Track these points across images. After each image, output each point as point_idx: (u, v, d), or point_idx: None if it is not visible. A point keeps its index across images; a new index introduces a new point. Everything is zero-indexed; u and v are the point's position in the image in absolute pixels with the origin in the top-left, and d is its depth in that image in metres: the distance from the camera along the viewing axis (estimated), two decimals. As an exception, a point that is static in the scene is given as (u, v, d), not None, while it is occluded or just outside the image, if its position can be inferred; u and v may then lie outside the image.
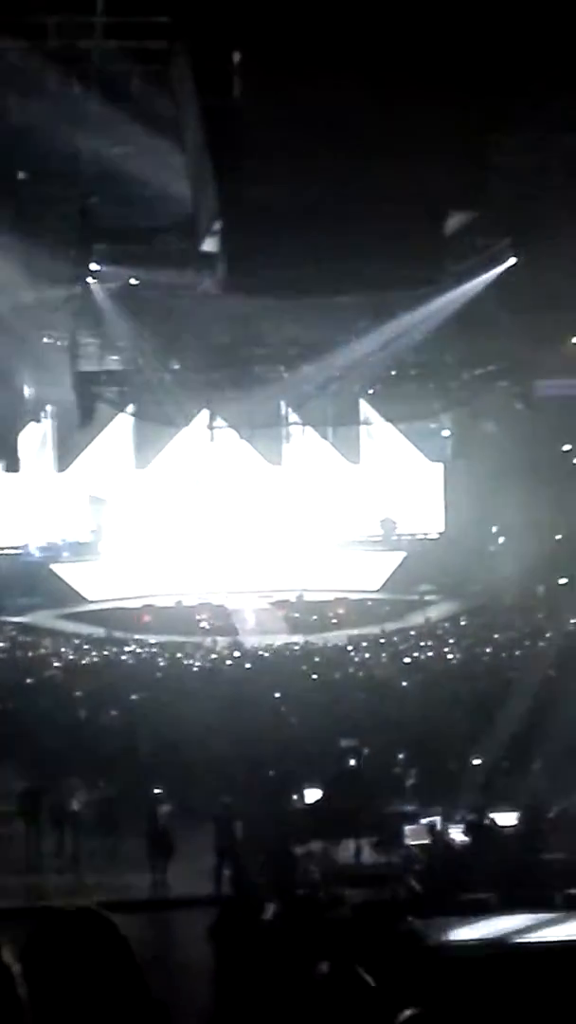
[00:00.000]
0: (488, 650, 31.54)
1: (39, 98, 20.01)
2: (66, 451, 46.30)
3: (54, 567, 44.69)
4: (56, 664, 31.00)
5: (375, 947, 10.38)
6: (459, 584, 44.29)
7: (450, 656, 30.81)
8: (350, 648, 33.31)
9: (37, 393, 41.83)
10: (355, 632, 37.45)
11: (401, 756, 19.43)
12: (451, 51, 16.44)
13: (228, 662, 30.87)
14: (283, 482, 48.92)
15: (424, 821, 15.94)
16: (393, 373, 35.67)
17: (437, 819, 15.72)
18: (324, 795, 17.67)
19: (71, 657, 32.58)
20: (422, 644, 33.31)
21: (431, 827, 15.56)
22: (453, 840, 15.32)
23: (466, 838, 15.35)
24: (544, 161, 23.38)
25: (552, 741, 18.30)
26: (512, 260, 27.62)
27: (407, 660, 30.22)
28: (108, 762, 20.42)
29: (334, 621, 41.34)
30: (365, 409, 43.83)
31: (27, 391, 41.13)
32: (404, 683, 26.20)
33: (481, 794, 16.95)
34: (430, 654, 31.28)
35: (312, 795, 17.71)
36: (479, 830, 15.32)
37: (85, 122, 20.90)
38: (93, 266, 26.78)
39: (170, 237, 25.93)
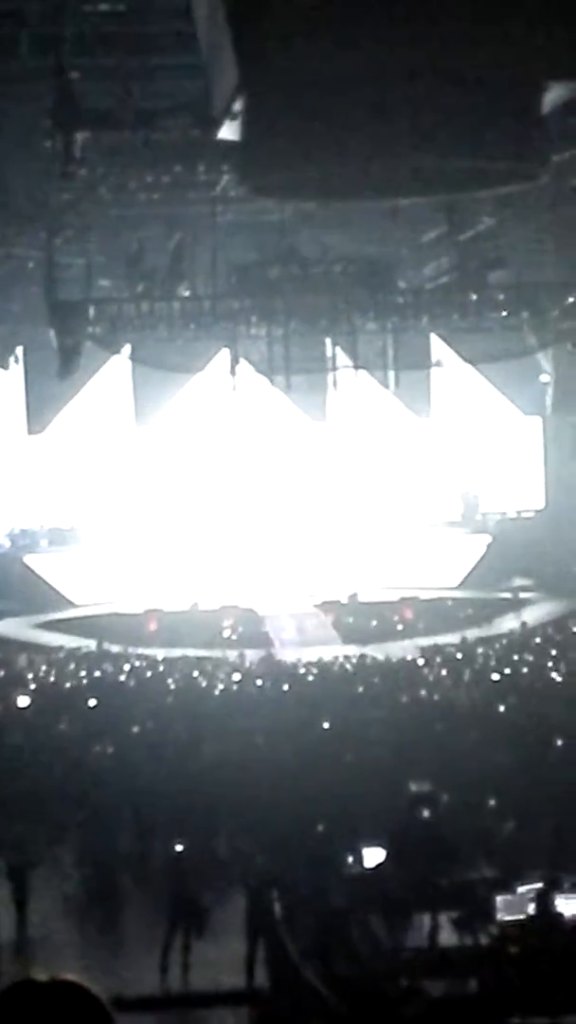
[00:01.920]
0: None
1: None
2: (41, 407, 46.54)
3: (29, 560, 44.98)
4: (32, 687, 31.23)
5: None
6: (564, 577, 44.25)
7: (554, 673, 30.78)
8: (422, 663, 33.34)
9: (2, 332, 42.07)
10: (428, 642, 37.48)
11: (491, 805, 19.47)
12: None
13: (260, 683, 30.97)
14: (329, 445, 48.99)
15: (522, 890, 15.95)
16: (474, 298, 35.55)
17: (539, 887, 15.72)
18: (388, 856, 17.71)
19: (51, 679, 32.79)
20: (516, 657, 33.27)
21: (531, 898, 15.58)
22: (561, 915, 15.34)
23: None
24: None
25: None
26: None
27: (496, 678, 30.20)
28: (103, 813, 20.59)
29: (400, 628, 41.42)
30: (437, 347, 43.74)
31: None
32: (494, 708, 26.20)
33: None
34: (526, 670, 31.24)
35: (373, 856, 17.75)
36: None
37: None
38: (75, 160, 26.78)
39: (176, 121, 25.91)
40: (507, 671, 31.25)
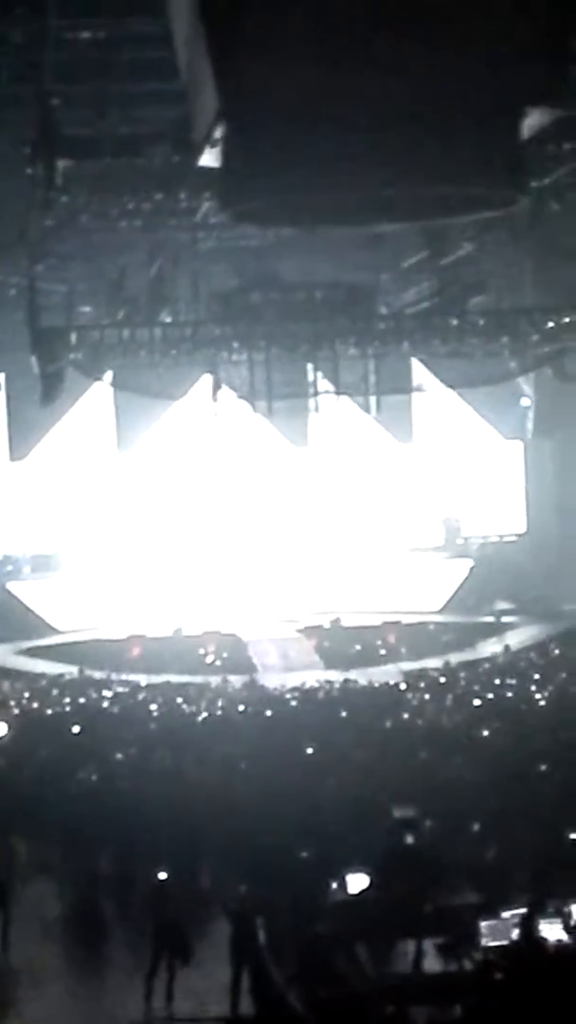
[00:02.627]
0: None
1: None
2: (23, 433, 46.52)
3: (11, 587, 44.90)
4: (15, 712, 31.13)
5: None
6: (546, 601, 44.27)
7: (537, 696, 30.76)
8: (404, 687, 33.31)
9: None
10: (411, 667, 37.46)
11: (475, 830, 19.41)
12: None
13: (243, 708, 30.91)
14: (311, 470, 49.02)
15: (506, 915, 15.87)
16: (454, 323, 35.62)
17: (523, 912, 15.65)
18: (372, 882, 17.62)
19: (34, 705, 32.69)
20: (499, 681, 33.26)
21: (516, 923, 15.50)
22: (545, 939, 15.26)
23: (565, 937, 15.30)
24: None
25: None
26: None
27: (479, 703, 30.17)
28: (85, 841, 20.50)
29: (382, 652, 41.41)
30: (418, 372, 43.82)
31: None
32: (477, 733, 26.16)
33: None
34: (510, 695, 31.22)
35: (357, 882, 17.66)
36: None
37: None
38: (56, 187, 26.81)
39: (157, 149, 25.96)
40: (490, 695, 31.22)
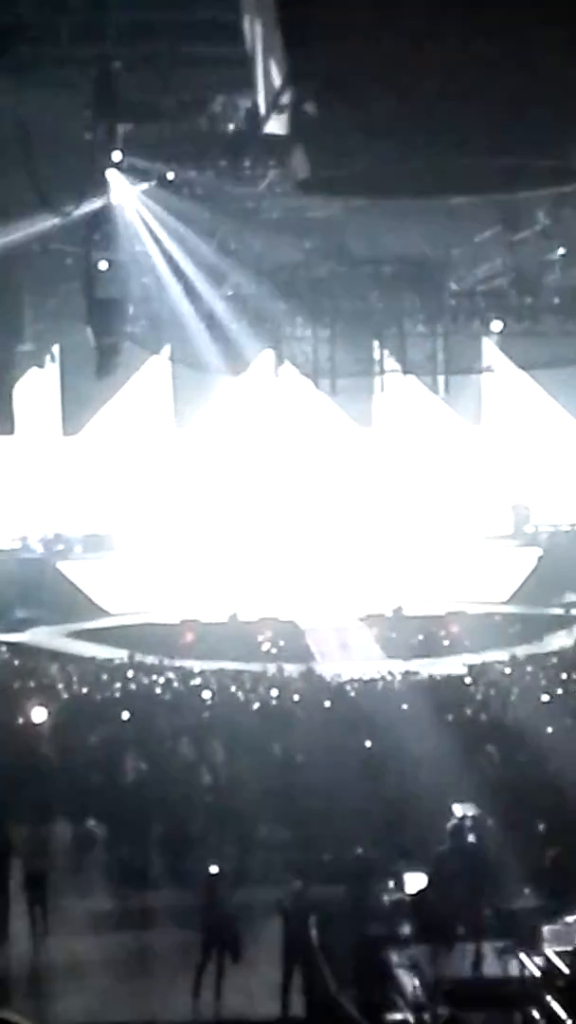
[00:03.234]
0: None
1: None
2: (77, 407, 46.68)
3: (61, 566, 45.10)
4: (64, 697, 31.28)
5: None
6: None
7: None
8: (468, 680, 33.25)
9: (39, 329, 42.15)
10: (475, 659, 37.39)
11: (540, 829, 19.38)
12: None
13: (299, 698, 30.93)
14: (375, 451, 48.96)
15: (570, 920, 15.88)
16: (529, 302, 35.46)
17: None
18: (431, 883, 17.64)
19: (84, 690, 32.84)
20: (568, 676, 33.13)
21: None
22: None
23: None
24: None
25: None
26: None
27: (547, 698, 30.06)
28: (134, 831, 20.62)
29: (446, 643, 41.36)
30: (489, 352, 43.66)
31: (26, 327, 41.47)
32: (544, 729, 26.09)
33: None
34: (580, 690, 31.15)
35: (415, 882, 17.69)
36: None
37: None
38: (116, 154, 26.87)
39: (221, 114, 25.96)
40: (559, 691, 31.10)
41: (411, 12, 16.03)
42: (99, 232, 32.72)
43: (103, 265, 29.25)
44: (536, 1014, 14.41)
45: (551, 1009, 14.42)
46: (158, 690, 32.78)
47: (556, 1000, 14.52)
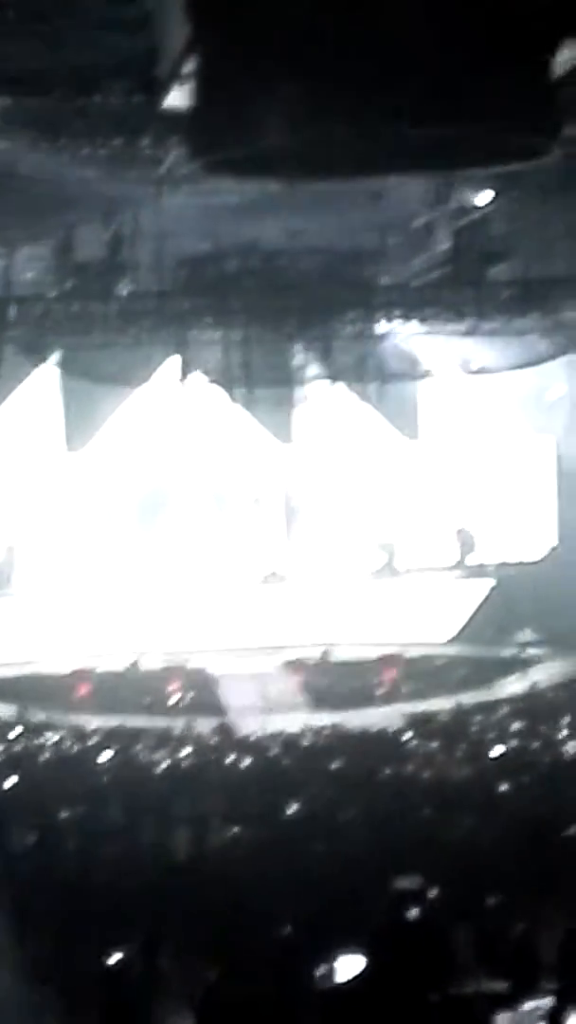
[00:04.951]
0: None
1: None
2: (-49, 426, 46.59)
3: None
4: None
5: None
6: (580, 631, 44.41)
7: (568, 746, 30.86)
8: (408, 735, 33.38)
9: None
10: (415, 709, 37.56)
11: (491, 903, 19.47)
12: None
13: (212, 758, 30.97)
14: (296, 470, 49.11)
15: (529, 1006, 15.93)
16: (472, 295, 35.71)
17: (549, 1002, 15.71)
18: (368, 966, 17.66)
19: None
20: (522, 727, 33.32)
21: (541, 1015, 15.56)
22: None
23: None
24: None
25: None
26: None
27: (497, 753, 30.24)
28: (21, 916, 20.47)
29: (381, 692, 41.52)
30: (429, 355, 43.94)
31: None
32: (496, 787, 26.24)
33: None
34: (536, 744, 31.30)
35: (349, 966, 17.70)
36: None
37: None
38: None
39: (115, 85, 26.00)
40: (513, 743, 31.30)
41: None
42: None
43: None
44: None
45: None
46: (48, 753, 32.71)
47: None
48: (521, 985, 16.50)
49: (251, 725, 35.89)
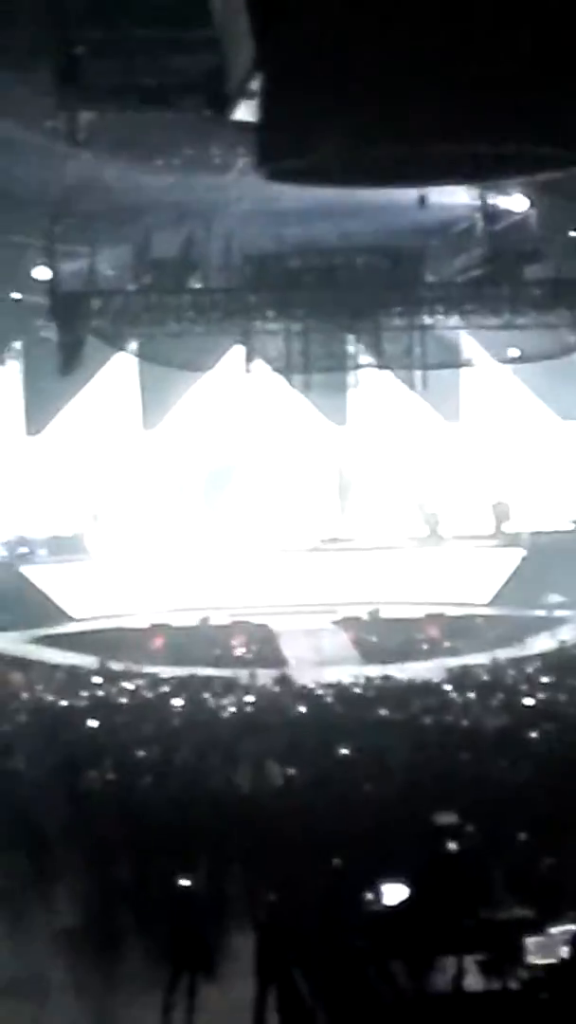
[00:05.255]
0: None
1: None
2: (41, 406, 46.57)
3: (25, 571, 44.98)
4: (29, 706, 31.22)
5: None
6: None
7: (591, 697, 30.73)
8: (448, 686, 33.28)
9: None
10: (455, 663, 37.44)
11: (522, 839, 19.39)
12: None
13: (273, 705, 30.95)
14: (350, 450, 48.98)
15: (555, 931, 15.86)
16: (508, 294, 35.52)
17: (573, 928, 15.63)
18: (410, 894, 17.63)
19: (49, 698, 32.78)
20: (550, 680, 33.18)
21: (566, 940, 15.49)
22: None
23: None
24: None
25: None
26: None
27: (530, 702, 30.11)
28: (101, 844, 20.54)
29: (425, 647, 41.42)
30: (468, 345, 43.72)
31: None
32: (527, 734, 26.13)
33: None
34: (563, 695, 31.15)
35: (394, 894, 17.67)
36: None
37: None
38: (80, 141, 26.85)
39: (188, 100, 25.91)
40: (540, 695, 31.15)
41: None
42: (61, 223, 32.77)
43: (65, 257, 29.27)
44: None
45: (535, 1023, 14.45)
46: (125, 698, 32.76)
47: (540, 1014, 14.54)
48: (547, 913, 16.46)
49: (307, 676, 35.84)
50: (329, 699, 31.75)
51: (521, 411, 48.98)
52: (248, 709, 30.72)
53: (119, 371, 45.32)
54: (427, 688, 33.17)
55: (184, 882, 17.51)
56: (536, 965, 15.26)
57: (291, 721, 28.77)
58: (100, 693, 33.36)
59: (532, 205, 33.84)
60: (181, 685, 34.42)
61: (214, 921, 17.86)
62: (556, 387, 47.37)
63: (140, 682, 35.09)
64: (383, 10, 16.37)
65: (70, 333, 33.66)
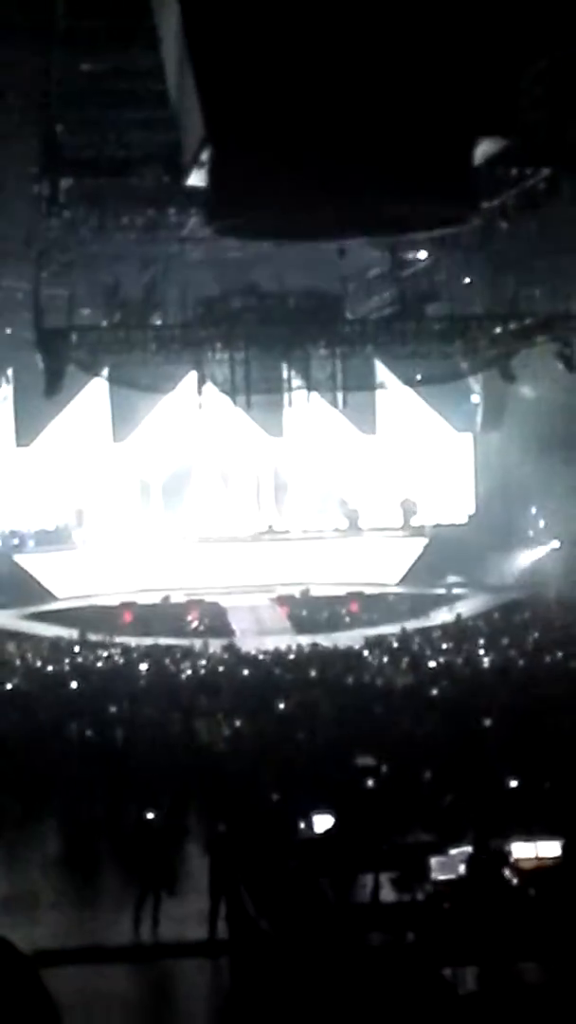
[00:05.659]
0: (528, 652, 31.58)
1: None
2: (29, 422, 46.31)
3: (18, 559, 44.74)
4: (20, 671, 31.07)
5: (400, 997, 10.41)
6: (491, 575, 44.36)
7: (483, 660, 30.83)
8: (365, 651, 33.35)
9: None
10: (371, 632, 37.54)
11: (427, 777, 19.45)
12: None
13: (222, 668, 30.92)
14: (285, 457, 48.97)
15: (454, 852, 15.91)
16: (413, 328, 35.57)
17: (468, 850, 15.68)
18: (336, 823, 17.65)
19: (37, 664, 32.64)
20: (449, 646, 33.33)
21: (462, 859, 15.55)
22: (492, 871, 15.31)
23: (505, 872, 15.36)
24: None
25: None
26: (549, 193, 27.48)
27: (432, 664, 30.24)
28: (81, 785, 20.48)
29: (346, 620, 41.51)
30: (381, 371, 43.78)
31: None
32: (429, 691, 26.22)
33: (520, 820, 16.95)
34: (459, 658, 31.29)
35: (322, 823, 17.69)
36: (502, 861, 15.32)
37: (51, 34, 20.85)
38: (59, 203, 26.64)
39: (149, 170, 25.80)
40: (442, 658, 31.28)
41: (315, 80, 15.87)
42: (45, 270, 32.56)
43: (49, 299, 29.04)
44: (426, 933, 14.47)
45: (439, 928, 14.50)
46: (101, 664, 32.66)
47: (443, 921, 14.59)
48: (448, 837, 16.53)
49: (251, 644, 35.82)
50: (269, 663, 31.79)
51: (424, 425, 49.10)
52: (202, 672, 30.69)
53: (94, 393, 45.12)
54: (348, 653, 33.26)
55: (150, 816, 17.49)
56: (439, 880, 15.34)
57: (238, 682, 28.77)
58: (80, 660, 33.27)
59: (431, 255, 33.87)
60: (146, 653, 34.36)
61: (175, 847, 17.84)
62: (452, 405, 47.61)
63: (113, 650, 35.00)
64: (318, 90, 16.28)
65: (54, 361, 33.38)
